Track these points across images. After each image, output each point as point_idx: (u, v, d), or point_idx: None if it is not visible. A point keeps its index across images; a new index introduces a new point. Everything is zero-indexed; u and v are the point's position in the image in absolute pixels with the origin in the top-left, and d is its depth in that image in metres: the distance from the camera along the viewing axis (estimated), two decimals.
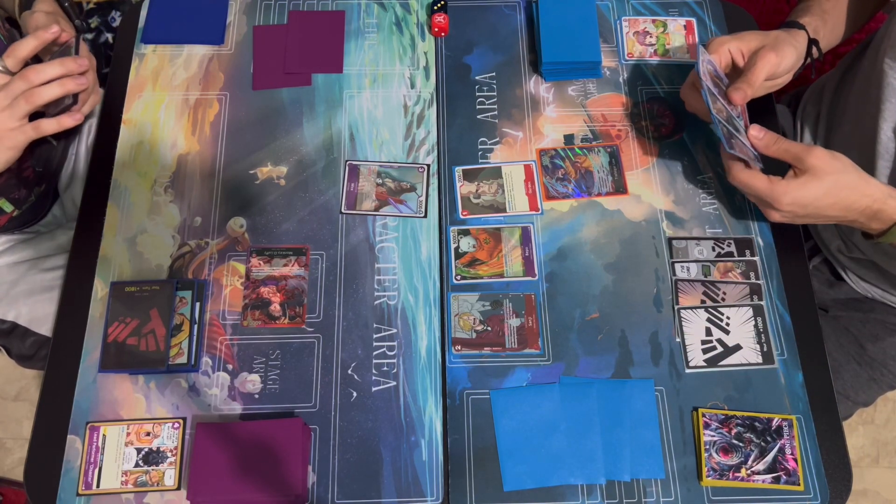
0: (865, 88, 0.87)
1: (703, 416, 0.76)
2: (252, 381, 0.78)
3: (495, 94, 0.94)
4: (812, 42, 0.86)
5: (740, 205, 0.87)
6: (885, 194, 0.74)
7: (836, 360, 0.96)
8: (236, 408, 0.77)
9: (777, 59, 0.80)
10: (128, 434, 0.75)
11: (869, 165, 0.87)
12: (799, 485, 0.74)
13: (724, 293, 0.82)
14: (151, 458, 0.74)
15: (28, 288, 0.95)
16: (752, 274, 0.83)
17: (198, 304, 0.80)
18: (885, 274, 0.93)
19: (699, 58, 0.80)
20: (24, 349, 0.97)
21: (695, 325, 0.81)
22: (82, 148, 1.03)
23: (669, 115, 0.93)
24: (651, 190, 0.88)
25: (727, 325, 0.81)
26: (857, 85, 0.91)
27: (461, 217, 0.86)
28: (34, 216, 0.97)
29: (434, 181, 0.88)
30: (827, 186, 0.73)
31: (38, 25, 0.85)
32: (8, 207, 0.89)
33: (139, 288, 0.79)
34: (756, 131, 0.78)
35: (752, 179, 0.77)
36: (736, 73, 0.84)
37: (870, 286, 0.97)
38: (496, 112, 0.93)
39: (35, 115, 0.80)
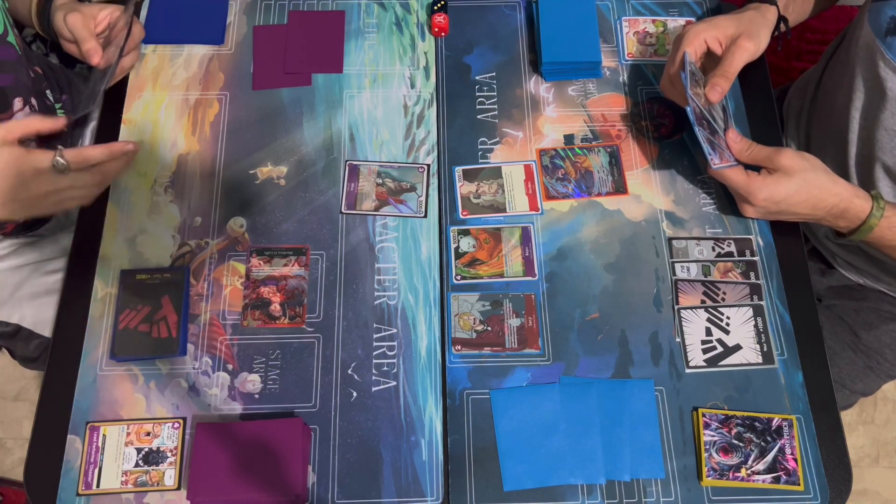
0: (840, 79, 0.89)
1: (703, 416, 0.76)
2: (252, 381, 0.78)
3: (495, 94, 0.94)
4: (781, 19, 0.88)
5: None
6: (851, 193, 0.77)
7: (832, 348, 0.96)
8: (236, 408, 0.77)
9: (754, 48, 0.83)
10: (128, 434, 0.75)
11: (842, 154, 0.89)
12: (799, 485, 0.74)
13: (724, 293, 0.82)
14: (151, 458, 0.74)
15: (32, 291, 0.95)
16: (752, 274, 0.83)
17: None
18: (872, 259, 0.93)
19: (686, 60, 0.81)
20: (29, 352, 0.97)
21: (695, 325, 0.81)
22: None
23: (669, 115, 0.93)
24: (651, 190, 0.88)
25: (727, 325, 0.81)
26: (834, 76, 0.93)
27: (461, 217, 0.86)
28: (38, 220, 0.98)
29: (434, 181, 0.88)
30: (798, 184, 0.77)
31: (76, 29, 0.84)
32: None
33: (150, 276, 0.81)
34: (734, 134, 0.81)
35: (730, 173, 0.79)
36: (713, 60, 0.85)
37: (860, 273, 0.97)
38: (496, 112, 0.93)
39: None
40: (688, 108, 0.79)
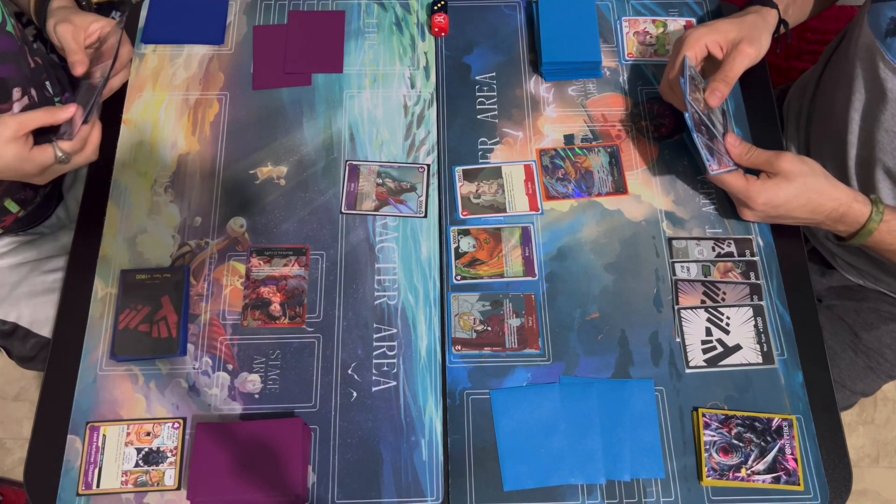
0: (840, 79, 0.89)
1: (703, 416, 0.76)
2: (252, 381, 0.78)
3: (495, 94, 0.94)
4: (782, 22, 0.88)
5: None
6: (850, 198, 0.77)
7: (832, 348, 0.96)
8: (236, 408, 0.77)
9: (755, 53, 0.83)
10: (128, 434, 0.75)
11: (842, 155, 0.89)
12: (799, 485, 0.74)
13: (724, 293, 0.82)
14: (151, 458, 0.74)
15: (30, 290, 0.95)
16: (752, 274, 0.83)
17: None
18: (873, 260, 0.93)
19: (685, 65, 0.81)
20: (25, 351, 0.97)
21: (695, 325, 0.81)
22: None
23: (669, 115, 0.93)
24: (651, 190, 0.88)
25: (727, 325, 0.81)
26: (834, 76, 0.93)
27: (461, 217, 0.86)
28: (38, 217, 0.98)
29: (434, 181, 0.88)
30: (797, 188, 0.76)
31: (65, 40, 0.85)
32: (14, 208, 0.89)
33: (150, 276, 0.81)
34: (733, 138, 0.81)
35: (729, 177, 0.79)
36: (713, 63, 0.85)
37: (860, 273, 0.97)
38: (496, 112, 0.93)
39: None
40: (686, 115, 0.79)
